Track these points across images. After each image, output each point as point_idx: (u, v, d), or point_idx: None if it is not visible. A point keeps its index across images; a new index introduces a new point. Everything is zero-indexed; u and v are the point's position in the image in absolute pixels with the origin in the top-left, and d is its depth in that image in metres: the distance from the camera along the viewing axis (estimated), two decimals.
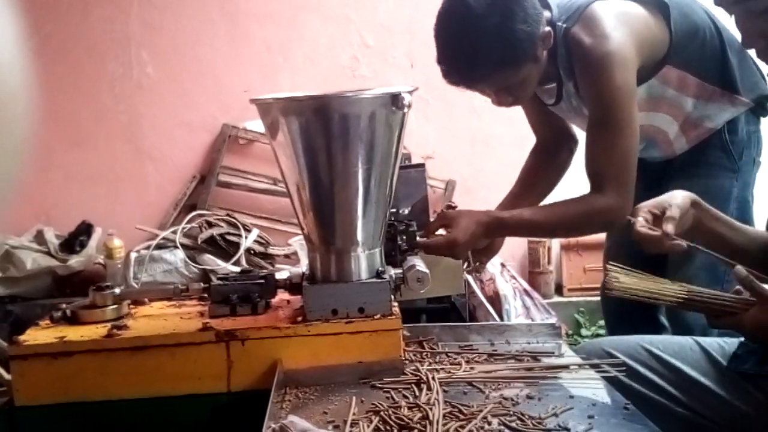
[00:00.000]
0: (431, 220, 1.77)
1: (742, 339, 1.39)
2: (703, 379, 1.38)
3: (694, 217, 1.39)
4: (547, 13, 1.70)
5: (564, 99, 1.85)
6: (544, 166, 2.09)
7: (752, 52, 1.69)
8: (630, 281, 1.31)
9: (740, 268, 1.29)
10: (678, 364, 1.41)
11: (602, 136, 1.69)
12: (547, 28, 1.68)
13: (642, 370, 1.41)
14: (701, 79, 1.83)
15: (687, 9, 1.82)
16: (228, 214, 3.43)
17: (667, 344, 1.44)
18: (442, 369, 1.38)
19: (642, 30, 1.73)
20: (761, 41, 1.29)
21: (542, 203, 2.00)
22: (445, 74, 1.70)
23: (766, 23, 1.26)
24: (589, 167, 1.71)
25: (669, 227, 1.32)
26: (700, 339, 1.47)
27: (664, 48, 1.78)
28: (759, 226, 1.92)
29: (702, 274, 1.79)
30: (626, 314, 2.05)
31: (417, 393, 1.27)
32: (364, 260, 1.42)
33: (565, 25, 1.71)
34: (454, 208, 1.85)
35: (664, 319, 2.07)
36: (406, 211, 1.80)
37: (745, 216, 1.89)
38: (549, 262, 3.87)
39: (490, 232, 1.71)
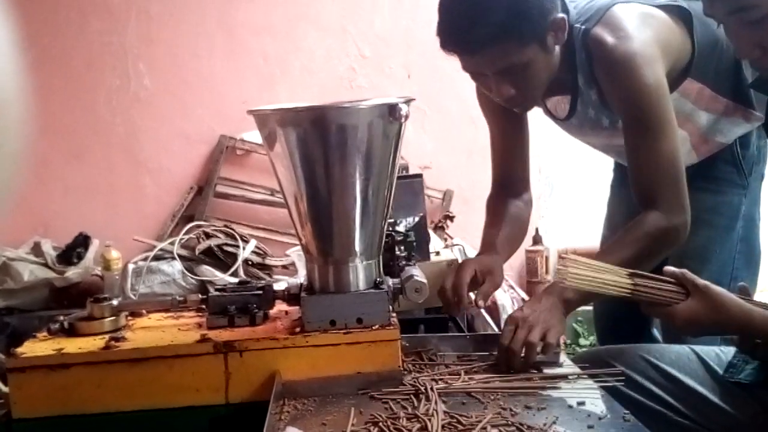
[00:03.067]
0: (431, 232, 1.73)
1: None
2: (700, 388, 1.38)
3: None
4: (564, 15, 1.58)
5: (579, 111, 1.73)
6: (516, 201, 1.87)
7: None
8: (583, 273, 1.30)
9: (667, 267, 1.33)
10: (675, 373, 1.41)
11: (643, 142, 1.57)
12: (561, 15, 1.55)
13: (640, 379, 1.41)
14: (716, 92, 1.74)
15: (706, 19, 1.67)
16: (226, 225, 3.44)
17: (665, 353, 1.44)
18: (441, 379, 1.37)
19: (668, 36, 1.64)
20: (757, 51, 1.29)
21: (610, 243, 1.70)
22: (442, 42, 1.57)
23: (760, 33, 1.26)
24: (636, 180, 1.60)
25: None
26: (697, 348, 1.47)
27: (686, 58, 1.69)
28: (765, 243, 1.91)
29: (704, 277, 1.78)
30: (617, 328, 2.02)
31: (416, 404, 1.27)
32: (362, 271, 1.42)
33: (584, 27, 1.59)
34: (452, 218, 1.83)
35: (656, 333, 2.03)
36: (408, 222, 1.79)
37: (751, 234, 1.85)
38: (546, 272, 3.87)
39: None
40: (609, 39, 1.55)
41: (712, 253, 1.78)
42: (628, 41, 1.55)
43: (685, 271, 1.30)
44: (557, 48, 1.59)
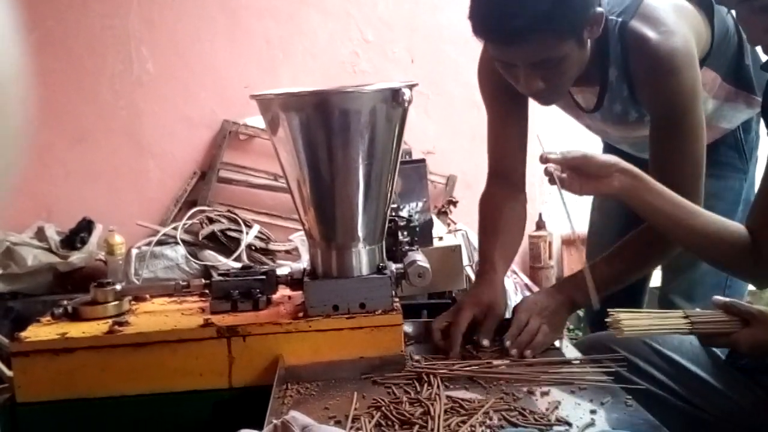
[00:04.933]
0: (434, 217, 1.70)
1: None
2: (702, 373, 1.38)
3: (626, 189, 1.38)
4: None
5: (605, 105, 1.67)
6: (512, 202, 1.81)
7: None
8: (635, 323, 1.32)
9: (717, 298, 1.35)
10: (678, 358, 1.41)
11: (670, 143, 1.54)
12: (600, 9, 1.47)
13: (642, 364, 1.41)
14: (723, 79, 1.73)
15: (719, 7, 1.68)
16: (229, 210, 3.43)
17: (667, 339, 1.44)
18: (443, 364, 1.38)
19: (698, 28, 1.60)
20: (767, 37, 1.28)
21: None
22: (477, 27, 1.47)
23: None
24: (656, 178, 1.53)
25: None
26: None
27: (706, 48, 1.65)
28: None
29: (707, 279, 1.78)
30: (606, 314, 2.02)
31: (418, 388, 1.27)
32: (365, 256, 1.42)
33: (620, 19, 1.52)
34: (455, 203, 1.81)
35: None
36: (412, 208, 1.78)
37: None
38: (550, 257, 3.87)
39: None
40: (651, 35, 1.49)
41: None
42: (672, 38, 1.49)
43: (734, 301, 1.33)
44: (589, 42, 1.53)
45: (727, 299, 1.34)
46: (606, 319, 1.34)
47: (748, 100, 1.77)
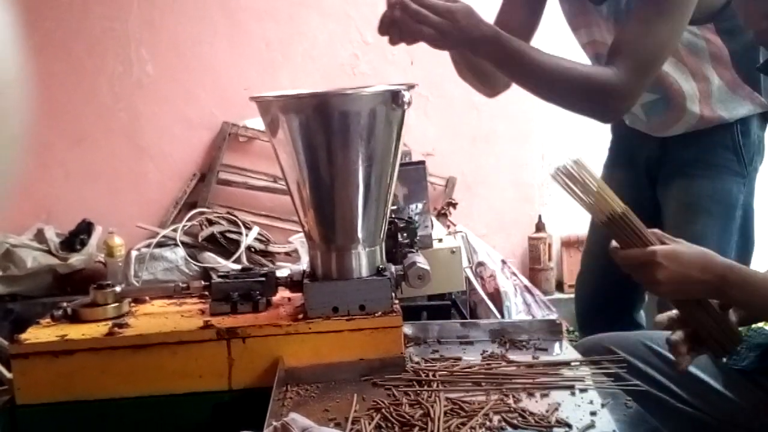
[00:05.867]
0: (433, 219, 1.69)
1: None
2: (702, 375, 1.38)
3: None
4: None
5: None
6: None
7: None
8: (574, 178, 1.18)
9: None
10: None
11: (645, 18, 1.52)
12: None
13: (642, 366, 1.41)
14: (733, 63, 1.72)
15: None
16: (228, 212, 3.44)
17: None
18: (443, 366, 1.38)
19: None
20: (764, 22, 1.27)
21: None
22: None
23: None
24: (614, 43, 1.55)
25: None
26: None
27: (719, 2, 1.66)
28: (760, 235, 1.89)
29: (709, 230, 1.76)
30: (598, 313, 2.00)
31: (418, 390, 1.27)
32: (364, 257, 1.42)
33: None
34: (455, 205, 1.81)
35: (641, 317, 2.03)
36: (412, 208, 1.78)
37: (747, 225, 1.83)
38: (550, 259, 3.87)
39: None
40: None
41: (709, 242, 1.74)
42: None
43: (656, 230, 1.20)
44: None
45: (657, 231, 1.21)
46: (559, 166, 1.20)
47: (752, 96, 1.76)
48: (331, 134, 1.34)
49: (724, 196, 1.79)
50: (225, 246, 3.25)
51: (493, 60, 1.57)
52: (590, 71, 1.55)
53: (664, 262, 1.16)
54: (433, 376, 1.32)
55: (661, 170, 1.89)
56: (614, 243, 1.22)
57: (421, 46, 1.50)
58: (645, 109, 1.85)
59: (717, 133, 1.81)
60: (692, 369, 1.37)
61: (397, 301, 1.42)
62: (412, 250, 1.59)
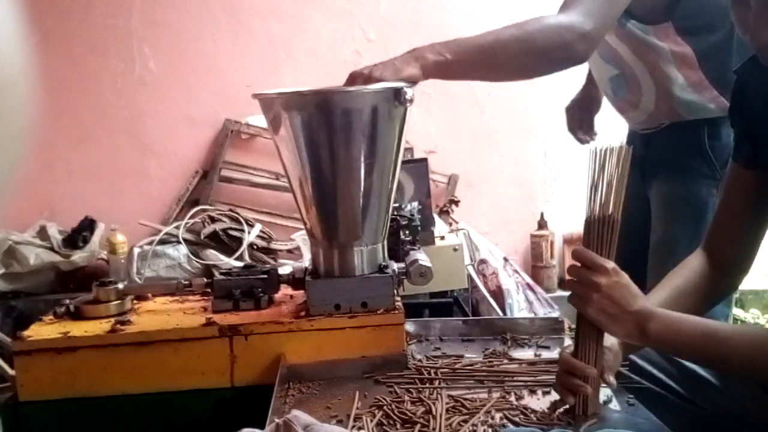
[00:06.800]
0: (436, 216, 1.68)
1: None
2: (702, 372, 1.38)
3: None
4: None
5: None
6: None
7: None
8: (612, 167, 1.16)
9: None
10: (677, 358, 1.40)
11: None
12: None
13: (643, 364, 1.41)
14: (701, 64, 1.72)
15: None
16: (231, 209, 3.44)
17: None
18: (445, 363, 1.38)
19: None
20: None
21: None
22: None
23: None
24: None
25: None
26: None
27: None
28: None
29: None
30: None
31: (420, 387, 1.27)
32: (366, 255, 1.42)
33: None
34: (457, 202, 1.81)
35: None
36: (413, 205, 1.78)
37: None
38: (552, 256, 3.87)
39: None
40: None
41: (679, 246, 1.71)
42: None
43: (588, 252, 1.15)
44: None
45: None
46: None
47: (717, 100, 1.75)
48: (334, 131, 1.34)
49: (695, 200, 1.78)
50: (227, 243, 3.25)
51: (460, 73, 1.50)
52: (543, 21, 1.47)
53: (602, 281, 1.12)
54: (435, 373, 1.32)
55: (645, 169, 1.90)
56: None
57: (424, 43, 1.48)
58: (612, 84, 1.89)
59: (686, 136, 1.81)
60: (691, 366, 1.36)
61: (399, 299, 1.43)
62: (414, 247, 1.59)
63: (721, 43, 1.72)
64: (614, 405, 1.19)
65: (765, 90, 1.30)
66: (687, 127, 1.81)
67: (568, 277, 1.19)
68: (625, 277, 1.15)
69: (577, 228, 3.79)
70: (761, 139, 1.30)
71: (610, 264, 1.13)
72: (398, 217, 1.61)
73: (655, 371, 1.39)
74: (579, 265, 1.15)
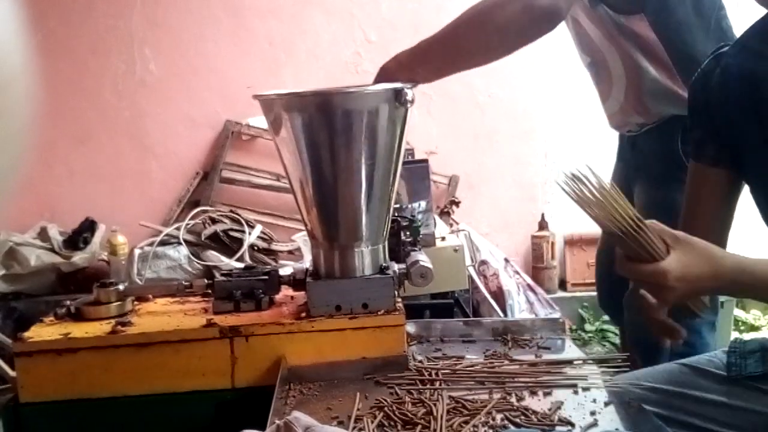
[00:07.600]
0: (436, 217, 1.69)
1: (726, 348, 1.37)
2: (708, 395, 1.33)
3: None
4: None
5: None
6: None
7: None
8: (588, 195, 1.12)
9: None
10: (676, 389, 1.33)
11: None
12: None
13: (681, 390, 1.35)
14: (673, 62, 1.73)
15: None
16: (231, 211, 3.44)
17: (656, 375, 1.37)
18: (446, 365, 1.38)
19: None
20: None
21: None
22: None
23: None
24: None
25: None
26: (684, 361, 1.40)
27: None
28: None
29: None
30: (618, 289, 1.99)
31: (421, 388, 1.27)
32: (367, 256, 1.42)
33: None
34: (458, 203, 1.81)
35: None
36: (416, 206, 1.77)
37: None
38: (552, 258, 3.87)
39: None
40: None
41: None
42: None
43: (654, 221, 1.14)
44: None
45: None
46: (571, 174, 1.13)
47: (683, 98, 1.69)
48: (334, 132, 1.34)
49: (669, 206, 1.73)
50: (228, 244, 3.25)
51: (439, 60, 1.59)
52: None
53: (675, 285, 1.12)
54: (436, 374, 1.32)
55: (629, 174, 1.94)
56: (619, 251, 1.18)
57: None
58: (591, 71, 1.92)
59: (662, 141, 1.81)
60: (695, 393, 1.31)
61: (399, 300, 1.42)
62: (415, 248, 1.59)
63: (688, 39, 1.73)
64: (614, 407, 1.18)
65: (751, 76, 1.28)
66: (663, 131, 1.81)
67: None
68: (682, 257, 1.11)
69: (578, 229, 3.80)
70: (731, 135, 1.28)
71: (660, 266, 1.10)
72: (399, 218, 1.61)
73: (661, 411, 1.32)
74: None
